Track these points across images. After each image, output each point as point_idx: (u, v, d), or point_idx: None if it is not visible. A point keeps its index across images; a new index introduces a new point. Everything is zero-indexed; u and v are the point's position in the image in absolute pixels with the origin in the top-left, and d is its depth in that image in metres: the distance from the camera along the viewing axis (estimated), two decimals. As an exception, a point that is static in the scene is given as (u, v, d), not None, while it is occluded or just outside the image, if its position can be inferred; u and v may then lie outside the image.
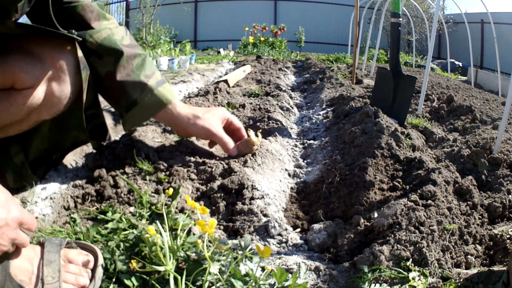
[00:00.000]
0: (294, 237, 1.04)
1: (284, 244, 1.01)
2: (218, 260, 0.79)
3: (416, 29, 10.70)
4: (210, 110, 1.37)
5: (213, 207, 1.09)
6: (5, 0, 0.97)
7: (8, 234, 0.67)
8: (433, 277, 0.83)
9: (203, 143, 1.57)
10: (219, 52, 8.06)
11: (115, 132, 1.88)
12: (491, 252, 1.02)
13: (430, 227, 0.93)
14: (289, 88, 3.64)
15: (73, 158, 1.37)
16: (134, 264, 0.78)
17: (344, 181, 1.29)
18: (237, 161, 1.31)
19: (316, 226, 1.04)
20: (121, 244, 0.87)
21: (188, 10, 12.81)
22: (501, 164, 1.53)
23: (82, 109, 1.12)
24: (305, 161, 1.65)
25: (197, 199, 1.12)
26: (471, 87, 5.34)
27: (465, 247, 0.98)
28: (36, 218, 1.01)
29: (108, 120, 1.78)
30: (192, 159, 1.31)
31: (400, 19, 2.36)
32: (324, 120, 2.27)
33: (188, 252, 0.81)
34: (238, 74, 3.60)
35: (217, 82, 2.99)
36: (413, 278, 0.81)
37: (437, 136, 1.99)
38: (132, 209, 1.05)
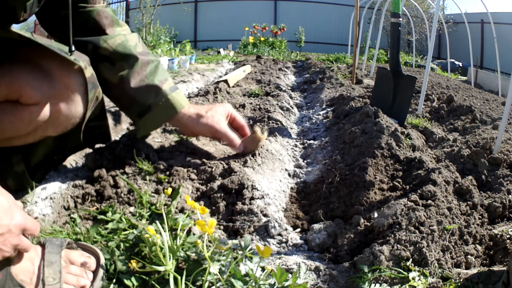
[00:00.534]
0: (294, 237, 1.04)
1: (284, 244, 1.01)
2: (218, 260, 0.79)
3: (416, 29, 10.70)
4: (213, 107, 1.36)
5: (213, 207, 1.09)
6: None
7: (11, 240, 0.66)
8: (433, 277, 0.83)
9: (203, 143, 1.57)
10: (219, 52, 8.06)
11: (115, 132, 1.88)
12: (491, 252, 1.02)
13: (430, 227, 0.93)
14: (289, 88, 3.64)
15: (73, 158, 1.36)
16: (134, 264, 0.78)
17: (344, 181, 1.29)
18: (237, 161, 1.31)
19: (316, 226, 1.04)
20: (121, 244, 0.87)
21: (188, 10, 12.81)
22: (501, 164, 1.53)
23: (82, 125, 1.09)
24: (305, 161, 1.65)
25: (197, 199, 1.12)
26: (471, 87, 5.34)
27: (465, 247, 0.98)
28: (36, 218, 1.01)
29: (109, 120, 1.78)
30: (192, 159, 1.31)
31: (400, 19, 2.36)
32: (324, 120, 2.27)
33: (188, 252, 0.81)
34: (238, 74, 3.60)
35: (217, 82, 2.99)
36: (413, 278, 0.81)
37: (437, 136, 1.99)
38: (132, 209, 1.05)
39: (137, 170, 1.21)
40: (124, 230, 0.94)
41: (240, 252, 0.80)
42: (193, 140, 1.56)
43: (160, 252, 0.75)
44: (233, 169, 1.22)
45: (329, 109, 2.50)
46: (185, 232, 0.86)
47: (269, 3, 14.36)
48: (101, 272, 0.79)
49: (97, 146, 1.32)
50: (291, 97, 3.01)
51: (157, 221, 0.86)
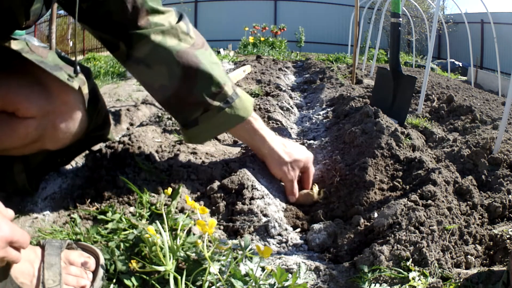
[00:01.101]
0: (294, 237, 1.04)
1: (284, 244, 1.01)
2: (218, 260, 0.79)
3: (416, 29, 10.69)
4: (296, 156, 1.23)
5: (213, 207, 1.09)
6: (11, 2, 0.85)
7: None
8: (433, 277, 0.83)
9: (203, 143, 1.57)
10: (219, 52, 8.05)
11: (115, 132, 1.88)
12: (491, 252, 1.02)
13: (430, 227, 0.93)
14: (289, 88, 3.64)
15: (73, 158, 1.37)
16: (134, 264, 0.78)
17: (344, 181, 1.29)
18: (237, 161, 1.31)
19: (316, 226, 1.04)
20: (121, 244, 0.87)
21: (188, 10, 12.81)
22: (501, 164, 1.53)
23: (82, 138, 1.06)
24: (305, 161, 1.65)
25: (197, 199, 1.12)
26: (471, 87, 5.34)
27: (465, 247, 0.98)
28: (36, 218, 1.01)
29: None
30: (192, 159, 1.31)
31: (400, 19, 2.36)
32: (324, 120, 2.27)
33: (188, 252, 0.81)
34: (238, 74, 3.60)
35: (217, 82, 2.99)
36: (413, 278, 0.81)
37: (437, 136, 1.99)
38: (132, 209, 1.05)
39: (137, 170, 1.21)
40: (124, 230, 0.94)
41: (240, 252, 0.80)
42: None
43: (160, 252, 0.75)
44: (233, 169, 1.22)
45: (329, 109, 2.50)
46: (185, 232, 0.86)
47: (269, 3, 14.36)
48: (101, 272, 0.79)
49: (97, 146, 1.32)
50: (291, 97, 3.01)
51: (157, 221, 0.86)
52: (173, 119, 1.77)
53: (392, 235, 0.90)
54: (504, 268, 0.84)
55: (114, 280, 0.80)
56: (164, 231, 0.80)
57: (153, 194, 1.11)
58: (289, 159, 1.22)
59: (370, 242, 0.94)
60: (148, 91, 1.17)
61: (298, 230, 1.10)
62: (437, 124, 2.48)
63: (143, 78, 1.13)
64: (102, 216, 1.00)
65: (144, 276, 0.79)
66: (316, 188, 1.26)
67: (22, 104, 0.89)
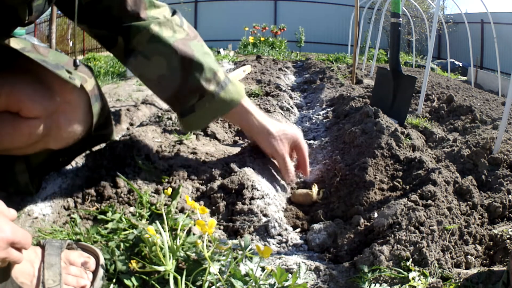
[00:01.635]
0: (294, 237, 1.04)
1: (284, 244, 1.01)
2: (218, 260, 0.79)
3: (416, 29, 10.70)
4: (283, 128, 1.28)
5: (213, 207, 1.09)
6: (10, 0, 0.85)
7: None
8: (433, 277, 0.83)
9: (203, 143, 1.57)
10: (219, 52, 8.05)
11: (115, 132, 1.88)
12: (491, 252, 1.02)
13: (430, 227, 0.93)
14: (289, 88, 3.64)
15: (73, 158, 1.37)
16: (134, 264, 0.78)
17: (344, 181, 1.29)
18: (237, 161, 1.31)
19: (316, 226, 1.04)
20: (121, 244, 0.87)
21: (188, 10, 12.81)
22: (501, 164, 1.53)
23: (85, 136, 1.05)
24: (305, 161, 1.65)
25: (197, 199, 1.12)
26: (471, 87, 5.33)
27: (465, 247, 0.98)
28: (36, 218, 1.01)
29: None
30: (192, 159, 1.31)
31: (400, 19, 2.36)
32: (324, 120, 2.27)
33: (188, 252, 0.81)
34: (238, 74, 3.60)
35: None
36: (413, 278, 0.81)
37: (437, 136, 1.99)
38: (132, 209, 1.05)
39: (137, 170, 1.21)
40: (124, 230, 0.94)
41: (240, 252, 0.80)
42: (193, 140, 1.56)
43: (160, 252, 0.75)
44: (233, 169, 1.22)
45: (329, 109, 2.50)
46: (185, 232, 0.86)
47: (269, 3, 14.36)
48: (101, 272, 0.79)
49: (97, 146, 1.32)
50: (291, 97, 3.01)
51: (157, 221, 0.86)
52: (173, 119, 1.78)
53: (392, 235, 0.90)
54: (504, 268, 0.84)
55: (114, 280, 0.80)
56: (164, 231, 0.80)
57: (153, 194, 1.11)
58: (277, 132, 1.26)
59: (370, 242, 0.94)
60: (146, 84, 1.19)
61: (298, 230, 1.10)
62: (437, 124, 2.48)
63: (142, 71, 1.14)
64: (102, 216, 1.00)
65: (144, 276, 0.79)
66: (315, 188, 1.26)
67: (25, 103, 0.88)
